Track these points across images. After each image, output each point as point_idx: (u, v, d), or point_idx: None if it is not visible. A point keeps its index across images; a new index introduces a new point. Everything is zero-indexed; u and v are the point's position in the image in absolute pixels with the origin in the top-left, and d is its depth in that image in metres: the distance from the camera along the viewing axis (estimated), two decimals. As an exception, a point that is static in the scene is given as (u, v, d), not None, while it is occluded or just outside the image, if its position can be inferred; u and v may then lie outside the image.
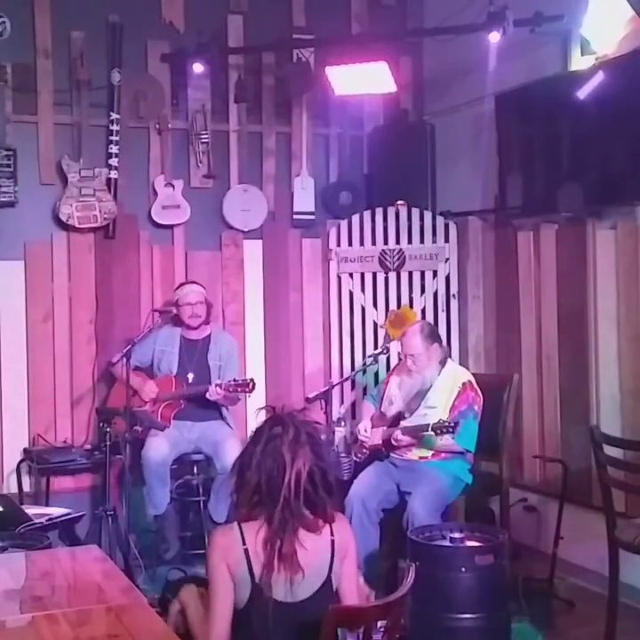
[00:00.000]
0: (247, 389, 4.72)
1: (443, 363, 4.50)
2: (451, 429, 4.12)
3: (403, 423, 4.44)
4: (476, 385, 4.42)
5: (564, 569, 4.50)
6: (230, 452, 4.77)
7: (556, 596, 4.32)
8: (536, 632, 3.99)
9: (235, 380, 4.75)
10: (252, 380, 4.75)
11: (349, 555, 2.56)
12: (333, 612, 2.23)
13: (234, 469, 2.54)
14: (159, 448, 4.75)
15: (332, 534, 2.52)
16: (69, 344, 5.25)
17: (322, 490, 2.49)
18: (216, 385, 4.77)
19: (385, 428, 4.50)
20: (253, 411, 5.42)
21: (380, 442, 4.48)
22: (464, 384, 4.39)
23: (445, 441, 4.26)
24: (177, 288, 5.16)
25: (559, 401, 4.84)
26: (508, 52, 4.75)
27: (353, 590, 2.57)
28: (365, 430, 4.56)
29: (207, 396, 4.80)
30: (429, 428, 4.17)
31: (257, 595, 2.42)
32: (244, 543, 2.44)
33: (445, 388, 4.40)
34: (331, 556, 2.50)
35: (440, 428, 4.13)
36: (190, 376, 5.00)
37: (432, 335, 4.50)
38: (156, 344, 5.03)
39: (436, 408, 4.33)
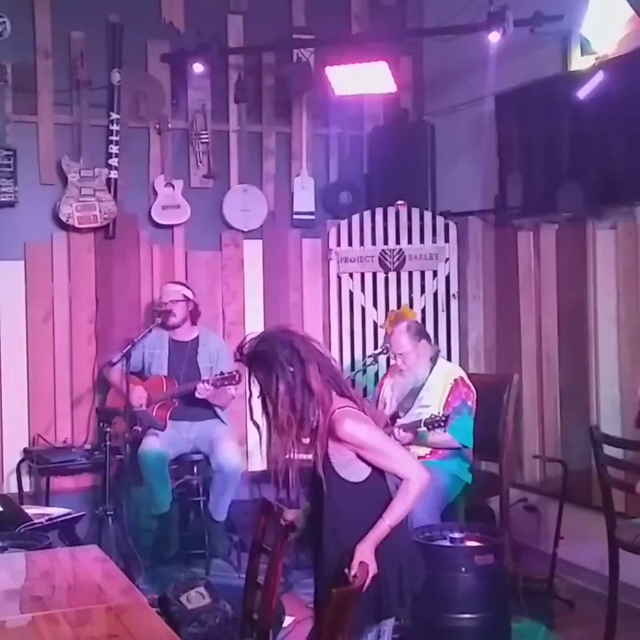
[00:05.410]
0: (234, 382, 4.73)
1: (434, 360, 4.50)
2: (442, 423, 4.13)
3: (399, 422, 4.44)
4: (468, 380, 4.43)
5: (564, 569, 4.49)
6: (226, 450, 4.77)
7: (556, 596, 4.32)
8: (536, 632, 3.99)
9: (221, 374, 4.76)
10: (237, 371, 4.69)
11: None
12: (337, 595, 2.22)
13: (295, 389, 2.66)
14: (153, 445, 4.76)
15: None
16: (69, 344, 5.25)
17: None
18: (203, 381, 4.79)
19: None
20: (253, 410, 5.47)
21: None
22: (456, 380, 4.40)
23: (440, 436, 4.26)
24: None
25: (559, 401, 4.84)
26: (508, 52, 4.75)
27: None
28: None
29: (196, 394, 4.80)
30: (422, 424, 4.18)
31: None
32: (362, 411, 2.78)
33: (438, 385, 4.41)
34: None
35: (431, 423, 4.15)
36: (181, 377, 4.98)
37: (419, 333, 4.51)
38: (144, 348, 5.02)
39: (430, 406, 4.33)
